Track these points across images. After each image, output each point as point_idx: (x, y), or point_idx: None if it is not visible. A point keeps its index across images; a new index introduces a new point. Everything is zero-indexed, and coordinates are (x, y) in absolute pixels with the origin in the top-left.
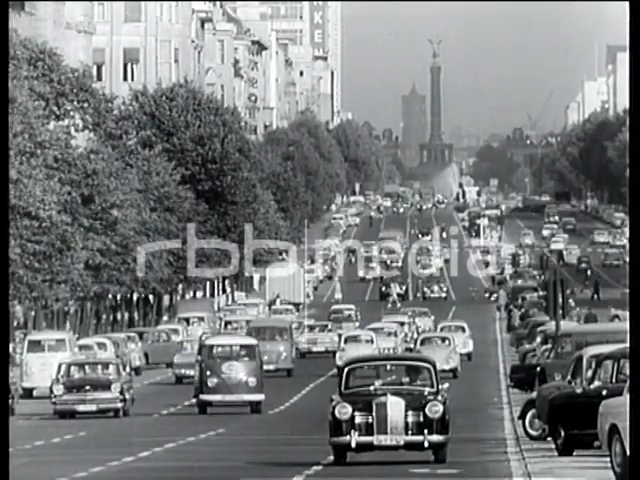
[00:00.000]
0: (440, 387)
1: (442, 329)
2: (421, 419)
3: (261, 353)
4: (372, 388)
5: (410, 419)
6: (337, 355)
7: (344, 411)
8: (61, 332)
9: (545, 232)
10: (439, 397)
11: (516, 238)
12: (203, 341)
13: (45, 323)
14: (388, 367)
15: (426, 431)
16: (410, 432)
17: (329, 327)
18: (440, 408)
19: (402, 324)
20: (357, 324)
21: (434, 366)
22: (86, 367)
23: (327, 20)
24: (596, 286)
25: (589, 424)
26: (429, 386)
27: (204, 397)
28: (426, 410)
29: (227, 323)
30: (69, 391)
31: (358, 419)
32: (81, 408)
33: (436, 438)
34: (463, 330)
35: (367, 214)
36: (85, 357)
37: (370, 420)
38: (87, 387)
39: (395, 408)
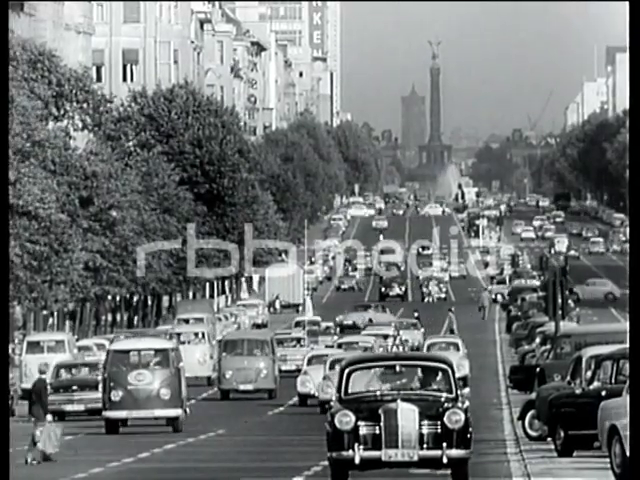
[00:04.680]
0: (459, 392)
1: (429, 347)
2: (439, 430)
3: (238, 370)
4: (378, 393)
5: (425, 430)
6: (298, 380)
7: (346, 420)
8: (60, 333)
9: (535, 223)
10: (459, 404)
11: (515, 238)
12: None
13: (44, 324)
14: (397, 368)
15: (444, 444)
16: (425, 446)
17: (302, 341)
18: (461, 417)
19: (385, 337)
20: (335, 337)
21: (451, 367)
22: (73, 369)
23: (326, 21)
24: (570, 289)
25: (589, 425)
26: (446, 391)
27: (108, 414)
28: (444, 419)
29: (174, 335)
30: (56, 391)
31: (363, 430)
32: (69, 408)
33: (456, 453)
34: (457, 348)
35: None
36: (73, 358)
37: (377, 431)
38: (74, 387)
39: (407, 417)
